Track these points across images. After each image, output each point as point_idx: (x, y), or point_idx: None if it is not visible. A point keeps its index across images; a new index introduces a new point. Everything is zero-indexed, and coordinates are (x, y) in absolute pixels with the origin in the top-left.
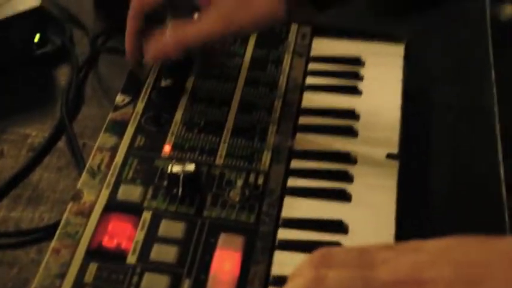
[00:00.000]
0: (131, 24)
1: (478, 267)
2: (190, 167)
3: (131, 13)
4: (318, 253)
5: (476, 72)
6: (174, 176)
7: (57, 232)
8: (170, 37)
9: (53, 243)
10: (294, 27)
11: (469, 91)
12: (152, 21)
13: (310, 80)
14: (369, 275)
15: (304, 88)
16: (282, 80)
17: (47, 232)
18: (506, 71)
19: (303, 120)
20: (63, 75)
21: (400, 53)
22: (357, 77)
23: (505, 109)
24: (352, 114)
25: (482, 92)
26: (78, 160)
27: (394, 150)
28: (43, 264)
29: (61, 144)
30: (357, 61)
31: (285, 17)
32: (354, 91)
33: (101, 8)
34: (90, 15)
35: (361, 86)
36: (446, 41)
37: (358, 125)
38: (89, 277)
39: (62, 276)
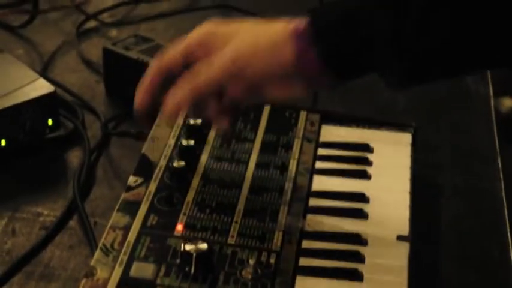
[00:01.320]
0: (149, 81)
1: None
2: (203, 246)
3: (153, 70)
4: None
5: (482, 158)
6: (187, 255)
7: None
8: (182, 88)
9: None
10: (302, 114)
11: (475, 176)
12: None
13: (319, 165)
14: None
15: (314, 171)
16: (292, 164)
17: None
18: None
19: (314, 202)
20: (75, 157)
21: (408, 140)
22: (366, 162)
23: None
24: (362, 197)
25: (489, 177)
26: (90, 239)
27: (405, 232)
28: None
29: (72, 223)
30: (366, 147)
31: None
32: (363, 175)
33: (112, 95)
34: (101, 101)
35: (370, 170)
36: (453, 128)
37: (368, 208)
38: None
39: None
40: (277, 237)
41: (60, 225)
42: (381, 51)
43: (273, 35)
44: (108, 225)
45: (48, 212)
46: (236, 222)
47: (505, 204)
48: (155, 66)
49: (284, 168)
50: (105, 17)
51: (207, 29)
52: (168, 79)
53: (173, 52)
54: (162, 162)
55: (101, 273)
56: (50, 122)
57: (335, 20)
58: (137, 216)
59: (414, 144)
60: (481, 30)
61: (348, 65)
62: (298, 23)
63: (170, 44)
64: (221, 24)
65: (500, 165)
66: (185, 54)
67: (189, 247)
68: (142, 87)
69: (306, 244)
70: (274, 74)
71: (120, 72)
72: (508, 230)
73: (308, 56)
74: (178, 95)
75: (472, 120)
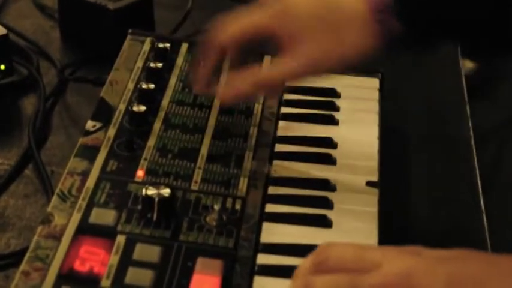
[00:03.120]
0: (210, 65)
1: (472, 283)
2: (166, 191)
3: (224, 40)
4: (315, 254)
5: (451, 107)
6: (148, 200)
7: (27, 255)
8: (253, 76)
9: (22, 266)
10: (267, 60)
11: (444, 125)
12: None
13: (285, 110)
14: (357, 280)
15: (279, 117)
16: (257, 109)
17: (14, 258)
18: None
19: (280, 147)
20: (29, 104)
21: (376, 85)
22: (333, 107)
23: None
24: (329, 143)
25: (458, 125)
26: (47, 187)
27: (374, 178)
28: (12, 287)
29: (28, 172)
30: (333, 92)
31: (375, 54)
32: (331, 121)
33: (68, 41)
34: (57, 48)
35: (338, 116)
36: (421, 79)
37: (336, 153)
38: None
39: None
40: (243, 183)
41: (14, 174)
42: None
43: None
44: (66, 170)
45: (2, 160)
46: (199, 167)
47: (475, 151)
48: (214, 47)
49: (249, 113)
50: None
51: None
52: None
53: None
54: (121, 107)
55: (58, 220)
56: (2, 67)
57: None
58: (96, 162)
59: (381, 90)
60: None
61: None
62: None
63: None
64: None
65: (469, 113)
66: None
67: (150, 192)
68: (203, 71)
69: (272, 190)
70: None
71: (76, 17)
72: (478, 174)
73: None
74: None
75: (440, 73)
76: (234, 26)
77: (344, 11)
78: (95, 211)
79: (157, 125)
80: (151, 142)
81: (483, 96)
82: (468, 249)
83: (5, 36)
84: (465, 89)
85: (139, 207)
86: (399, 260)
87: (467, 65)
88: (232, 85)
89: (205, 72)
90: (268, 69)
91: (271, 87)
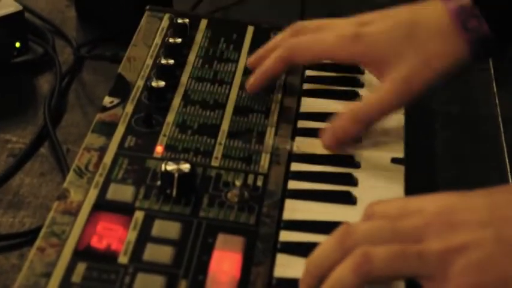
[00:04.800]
0: (275, 66)
1: None
2: (186, 166)
3: (280, 54)
4: (367, 208)
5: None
6: (168, 175)
7: (42, 231)
8: (351, 114)
9: (38, 242)
10: None
11: (471, 103)
12: None
13: (307, 86)
14: (399, 223)
15: (302, 93)
16: (279, 85)
17: (29, 237)
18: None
19: (302, 124)
20: (45, 82)
21: None
22: (357, 83)
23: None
24: None
25: (485, 103)
26: (62, 165)
27: (400, 155)
28: (27, 263)
29: (43, 150)
30: (356, 68)
31: (466, 63)
32: (355, 97)
33: (84, 19)
34: (73, 27)
35: (362, 92)
36: None
37: None
38: (77, 277)
39: (48, 275)
40: (264, 159)
41: (30, 152)
42: None
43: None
44: (82, 146)
45: (17, 139)
46: (220, 143)
47: (502, 130)
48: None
49: (270, 89)
50: None
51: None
52: None
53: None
54: (140, 83)
55: (74, 196)
56: (17, 44)
57: None
58: (113, 138)
59: None
60: None
61: None
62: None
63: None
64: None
65: (495, 90)
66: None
67: (170, 167)
68: (263, 71)
69: (295, 167)
70: None
71: None
72: (506, 155)
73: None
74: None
75: None
76: (306, 52)
77: (426, 25)
78: (112, 187)
79: (176, 101)
80: (170, 118)
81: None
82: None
83: (20, 12)
84: (492, 67)
85: (158, 183)
86: (440, 201)
87: None
88: (332, 128)
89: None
90: (365, 99)
91: (371, 119)
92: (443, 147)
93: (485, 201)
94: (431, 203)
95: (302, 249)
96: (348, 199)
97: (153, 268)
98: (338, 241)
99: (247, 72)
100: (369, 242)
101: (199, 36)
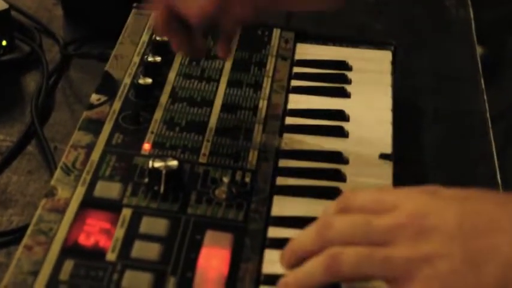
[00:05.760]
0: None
1: (486, 219)
2: (173, 163)
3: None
4: (339, 199)
5: (465, 81)
6: (155, 172)
7: (29, 228)
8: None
9: (25, 240)
10: (276, 32)
11: (458, 99)
12: None
13: (295, 83)
14: (371, 220)
15: (289, 90)
16: (266, 82)
17: (17, 235)
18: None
19: (290, 120)
20: (32, 81)
21: (388, 58)
22: (345, 80)
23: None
24: (341, 115)
25: (472, 100)
26: (50, 163)
27: (388, 150)
28: (14, 261)
29: (31, 148)
30: (344, 65)
31: None
32: (342, 93)
33: (71, 17)
34: (59, 25)
35: (349, 88)
36: (433, 52)
37: (348, 126)
38: (64, 274)
39: (35, 273)
40: (252, 156)
41: (17, 150)
42: None
43: None
44: (69, 144)
45: (4, 137)
46: (208, 140)
47: (490, 125)
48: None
49: (258, 86)
50: None
51: None
52: None
53: None
54: (127, 80)
55: (62, 193)
56: (4, 42)
57: None
58: (101, 135)
59: (394, 63)
60: None
61: None
62: None
63: None
64: None
65: (483, 87)
66: None
67: (157, 164)
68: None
69: (283, 163)
70: None
71: None
72: (495, 151)
73: None
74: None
75: (452, 45)
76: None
77: None
78: (100, 184)
79: (163, 98)
80: (157, 115)
81: (490, 81)
82: (484, 190)
83: (6, 10)
84: (480, 63)
85: (146, 180)
86: (414, 200)
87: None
88: None
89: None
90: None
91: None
92: (431, 142)
93: (458, 208)
94: (406, 200)
95: None
96: (337, 195)
97: (141, 265)
98: (317, 233)
99: (235, 69)
100: (343, 239)
101: None
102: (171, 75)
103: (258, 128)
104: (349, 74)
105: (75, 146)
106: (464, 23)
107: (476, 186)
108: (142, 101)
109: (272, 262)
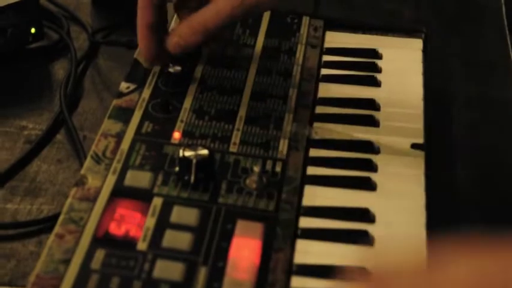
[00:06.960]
0: (142, 16)
1: None
2: (204, 152)
3: (141, 4)
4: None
5: (495, 69)
6: (186, 161)
7: (61, 217)
8: (187, 27)
9: (56, 229)
10: (305, 20)
11: (489, 86)
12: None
13: (325, 71)
14: None
15: (319, 78)
16: (296, 70)
17: (47, 224)
18: None
19: (321, 109)
20: (61, 68)
21: (419, 46)
22: (375, 68)
23: None
24: (372, 104)
25: (503, 86)
26: (79, 152)
27: (419, 140)
28: (45, 250)
29: (60, 137)
30: (374, 53)
31: None
32: (373, 82)
33: (99, 5)
34: (87, 13)
35: (380, 77)
36: (464, 39)
37: (379, 115)
38: (96, 263)
39: (67, 262)
40: (283, 145)
41: (46, 138)
42: None
43: None
44: (99, 132)
45: (33, 125)
46: (238, 129)
47: None
48: None
49: (287, 74)
50: None
51: None
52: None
53: None
54: (156, 68)
55: (92, 182)
56: (33, 30)
57: None
58: (130, 123)
59: (425, 51)
60: None
61: None
62: None
63: None
64: None
65: None
66: None
67: (188, 153)
68: (139, 26)
69: (313, 152)
70: None
71: None
72: None
73: None
74: None
75: (483, 32)
76: None
77: None
78: (130, 173)
79: (193, 87)
80: (187, 104)
81: None
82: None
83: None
84: (511, 50)
85: (176, 169)
86: None
87: None
88: (175, 36)
89: (143, 32)
90: (201, 12)
91: (209, 30)
92: (462, 130)
93: None
94: None
95: (322, 235)
96: (368, 185)
97: (172, 254)
98: None
99: (264, 57)
100: None
101: None
102: (200, 63)
103: (288, 117)
104: (379, 63)
105: (105, 134)
106: (496, 10)
107: (507, 177)
108: (172, 89)
109: (304, 252)
